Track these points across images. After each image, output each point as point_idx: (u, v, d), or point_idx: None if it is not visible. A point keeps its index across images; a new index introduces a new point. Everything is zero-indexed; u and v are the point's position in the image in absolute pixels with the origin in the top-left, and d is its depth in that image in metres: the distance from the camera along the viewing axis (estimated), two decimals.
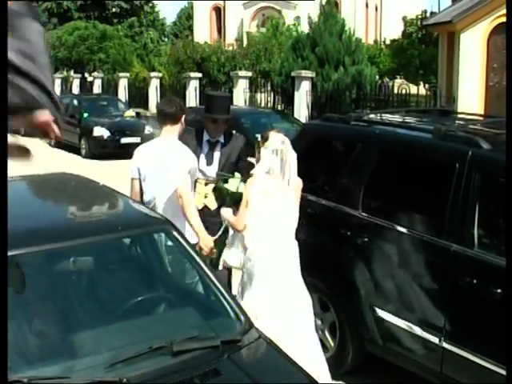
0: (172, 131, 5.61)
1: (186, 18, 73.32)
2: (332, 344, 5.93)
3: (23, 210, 4.52)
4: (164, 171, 5.41)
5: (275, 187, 5.34)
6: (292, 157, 5.38)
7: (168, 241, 4.27)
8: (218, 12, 57.74)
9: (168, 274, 4.56)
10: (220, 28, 57.24)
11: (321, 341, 5.98)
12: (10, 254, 3.61)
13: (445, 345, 4.89)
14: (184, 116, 5.71)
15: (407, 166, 5.60)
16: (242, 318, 3.90)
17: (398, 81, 28.83)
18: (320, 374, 5.11)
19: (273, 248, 5.32)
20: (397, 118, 6.63)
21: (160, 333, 3.69)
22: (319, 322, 5.98)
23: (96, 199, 5.00)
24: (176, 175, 5.34)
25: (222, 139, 6.26)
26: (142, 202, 5.45)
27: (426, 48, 31.89)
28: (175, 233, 4.21)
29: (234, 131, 6.64)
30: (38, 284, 3.82)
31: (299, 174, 6.10)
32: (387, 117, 6.77)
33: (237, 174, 5.91)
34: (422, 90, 20.20)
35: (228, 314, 3.93)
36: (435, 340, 4.96)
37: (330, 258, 5.90)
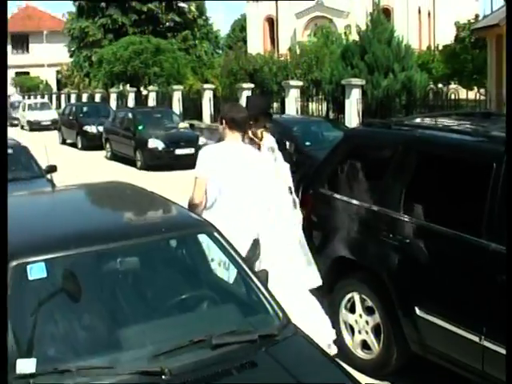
0: (239, 137, 5.90)
1: (240, 29, 73.96)
2: (377, 346, 6.03)
3: (76, 214, 4.89)
4: (245, 175, 5.71)
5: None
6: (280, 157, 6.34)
7: (210, 242, 4.47)
8: (271, 23, 58.10)
9: (210, 274, 4.77)
10: (273, 38, 57.55)
11: (365, 342, 6.12)
12: (61, 255, 3.96)
13: (485, 343, 4.94)
14: None
15: (446, 167, 5.70)
16: (281, 314, 4.08)
17: (453, 86, 28.62)
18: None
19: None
20: (437, 122, 6.72)
21: (201, 328, 3.89)
22: (364, 324, 6.11)
23: (142, 204, 5.28)
24: (263, 182, 5.82)
25: None
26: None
27: (479, 52, 31.59)
28: (216, 234, 4.43)
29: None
30: (87, 282, 4.06)
31: (343, 179, 6.34)
32: (428, 120, 6.87)
33: None
34: (475, 95, 20.04)
35: (267, 311, 4.11)
36: (476, 339, 5.02)
37: (372, 260, 6.04)
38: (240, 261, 4.36)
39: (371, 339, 6.07)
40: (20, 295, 3.81)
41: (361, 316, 6.14)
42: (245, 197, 5.69)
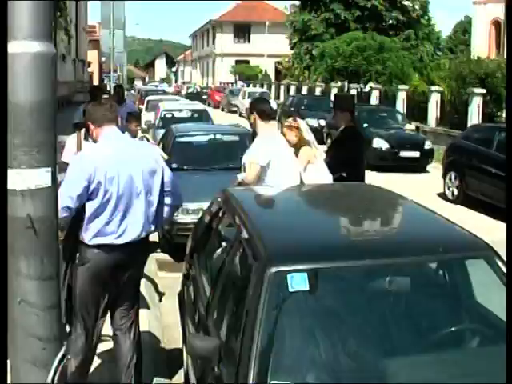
0: (274, 126, 7.79)
1: (463, 31, 71.63)
2: None
3: (336, 218, 4.61)
4: (289, 161, 6.84)
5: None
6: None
7: (488, 268, 3.83)
8: (498, 27, 55.52)
9: (483, 306, 4.10)
10: (499, 43, 55.00)
11: None
12: (327, 266, 3.52)
13: None
14: None
15: None
16: None
17: None
18: None
19: None
20: None
21: (478, 369, 3.32)
22: None
23: (407, 213, 4.70)
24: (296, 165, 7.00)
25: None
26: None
27: None
28: (498, 261, 3.78)
29: None
30: (352, 301, 3.60)
31: None
32: None
33: None
34: None
35: None
36: None
37: None
38: None
39: None
40: (277, 307, 3.40)
41: None
42: (285, 172, 6.62)
